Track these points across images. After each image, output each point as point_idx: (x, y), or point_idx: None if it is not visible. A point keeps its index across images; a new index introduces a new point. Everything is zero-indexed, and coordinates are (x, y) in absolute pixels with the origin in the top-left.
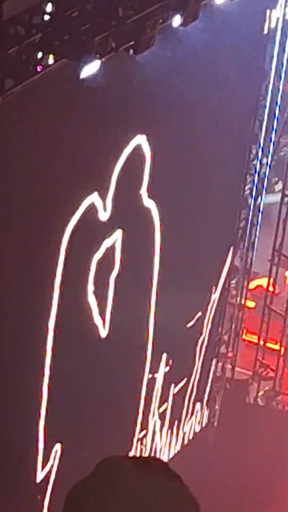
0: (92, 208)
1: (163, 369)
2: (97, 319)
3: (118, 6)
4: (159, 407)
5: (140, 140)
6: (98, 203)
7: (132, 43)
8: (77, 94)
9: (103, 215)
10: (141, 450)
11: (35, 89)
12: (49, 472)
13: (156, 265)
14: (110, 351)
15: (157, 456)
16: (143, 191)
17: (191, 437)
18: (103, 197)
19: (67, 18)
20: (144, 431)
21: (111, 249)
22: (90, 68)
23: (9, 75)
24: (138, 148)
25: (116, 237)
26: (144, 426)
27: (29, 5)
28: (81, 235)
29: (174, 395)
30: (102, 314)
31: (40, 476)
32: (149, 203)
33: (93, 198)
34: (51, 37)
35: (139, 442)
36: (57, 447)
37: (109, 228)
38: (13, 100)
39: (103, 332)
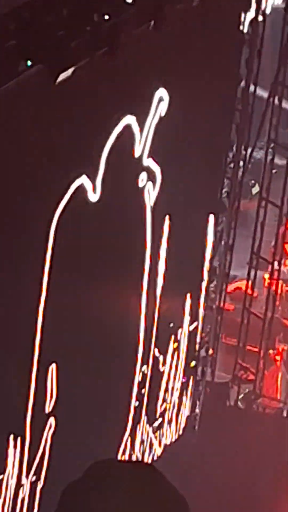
0: (81, 189)
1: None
2: (89, 306)
3: (94, 12)
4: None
5: (130, 120)
6: (88, 184)
7: (106, 48)
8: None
9: (93, 197)
10: (129, 454)
11: (11, 95)
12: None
13: (148, 249)
14: (103, 336)
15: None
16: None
17: (172, 440)
18: (92, 178)
19: (43, 23)
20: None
21: (102, 230)
22: (66, 73)
23: None
24: (127, 128)
25: (107, 218)
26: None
27: (4, 11)
28: (71, 217)
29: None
30: (94, 300)
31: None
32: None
33: (82, 179)
34: (26, 43)
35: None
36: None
37: (99, 209)
38: None
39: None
